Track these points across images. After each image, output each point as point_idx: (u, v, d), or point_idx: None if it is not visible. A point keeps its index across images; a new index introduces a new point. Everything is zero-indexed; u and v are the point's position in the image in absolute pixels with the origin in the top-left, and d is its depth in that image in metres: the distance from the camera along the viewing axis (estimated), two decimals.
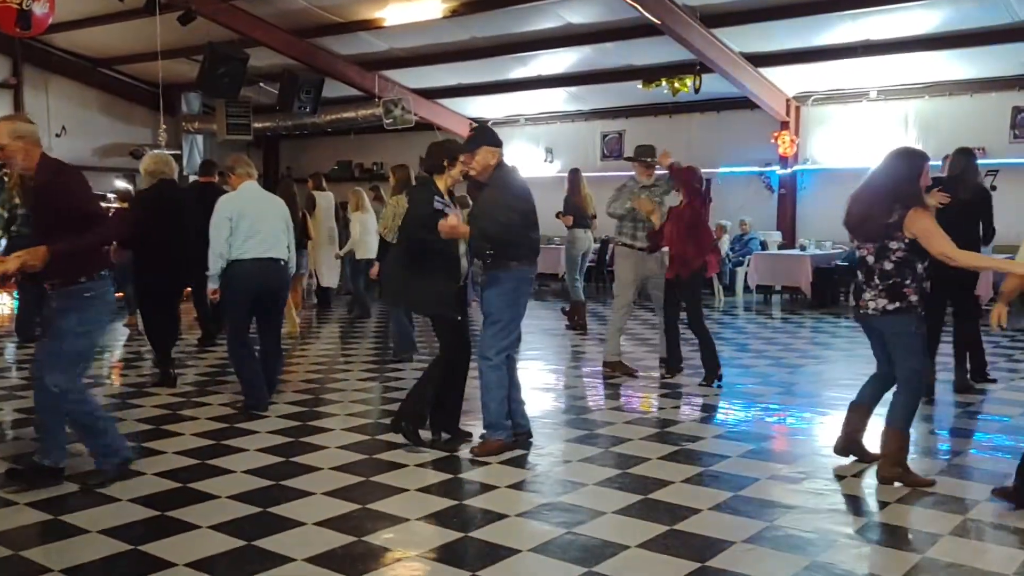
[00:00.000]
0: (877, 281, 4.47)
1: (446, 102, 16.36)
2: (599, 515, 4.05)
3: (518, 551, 3.65)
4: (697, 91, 12.38)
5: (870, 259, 4.51)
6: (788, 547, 3.69)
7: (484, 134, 5.15)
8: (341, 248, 11.45)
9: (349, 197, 11.42)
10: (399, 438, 5.12)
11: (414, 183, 7.43)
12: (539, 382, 7.13)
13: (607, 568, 3.48)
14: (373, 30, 13.42)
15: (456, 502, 4.26)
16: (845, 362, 7.94)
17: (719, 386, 6.76)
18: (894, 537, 3.90)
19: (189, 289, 8.08)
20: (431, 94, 16.10)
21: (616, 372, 7.19)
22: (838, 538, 3.80)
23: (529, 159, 16.18)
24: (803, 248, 12.54)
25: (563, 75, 14.76)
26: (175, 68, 14.73)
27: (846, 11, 10.97)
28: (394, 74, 15.47)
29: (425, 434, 5.15)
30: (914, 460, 4.64)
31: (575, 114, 16.33)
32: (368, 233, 10.63)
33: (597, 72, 14.34)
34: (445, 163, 5.11)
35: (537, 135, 16.75)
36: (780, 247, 13.35)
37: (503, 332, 5.00)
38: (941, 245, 4.32)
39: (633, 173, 7.47)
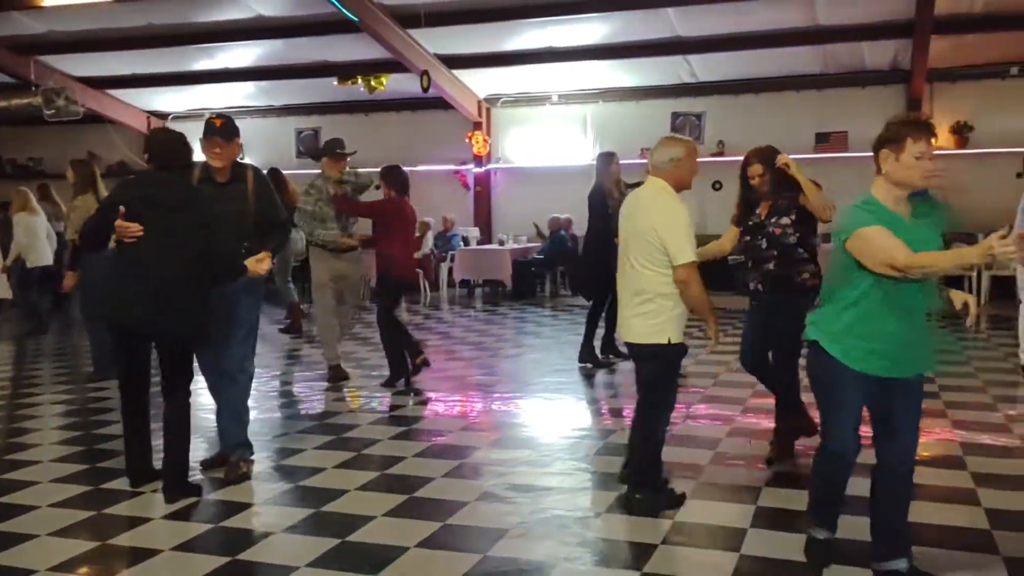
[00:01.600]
0: None
1: (119, 93, 14.90)
2: (369, 519, 3.95)
3: (295, 567, 3.44)
4: (425, 90, 12.45)
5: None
6: (557, 527, 3.85)
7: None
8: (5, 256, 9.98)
9: (13, 197, 9.99)
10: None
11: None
12: (268, 389, 6.77)
13: (391, 573, 3.40)
14: (27, 10, 11.83)
15: (212, 525, 3.92)
16: (558, 349, 8.45)
17: (408, 388, 6.76)
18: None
19: None
20: (100, 83, 14.56)
21: (339, 377, 7.03)
22: (590, 515, 4.04)
23: None
24: (502, 243, 13.17)
25: (253, 68, 14.12)
26: None
27: (534, 19, 11.66)
28: (55, 60, 13.77)
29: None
30: None
31: (267, 109, 15.70)
32: (37, 237, 9.43)
33: (290, 67, 13.91)
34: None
35: None
36: (479, 242, 13.89)
37: (254, 339, 4.78)
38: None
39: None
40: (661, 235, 3.83)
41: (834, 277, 3.25)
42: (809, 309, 3.54)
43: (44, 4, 11.44)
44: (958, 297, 3.18)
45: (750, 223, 4.63)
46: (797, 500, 3.83)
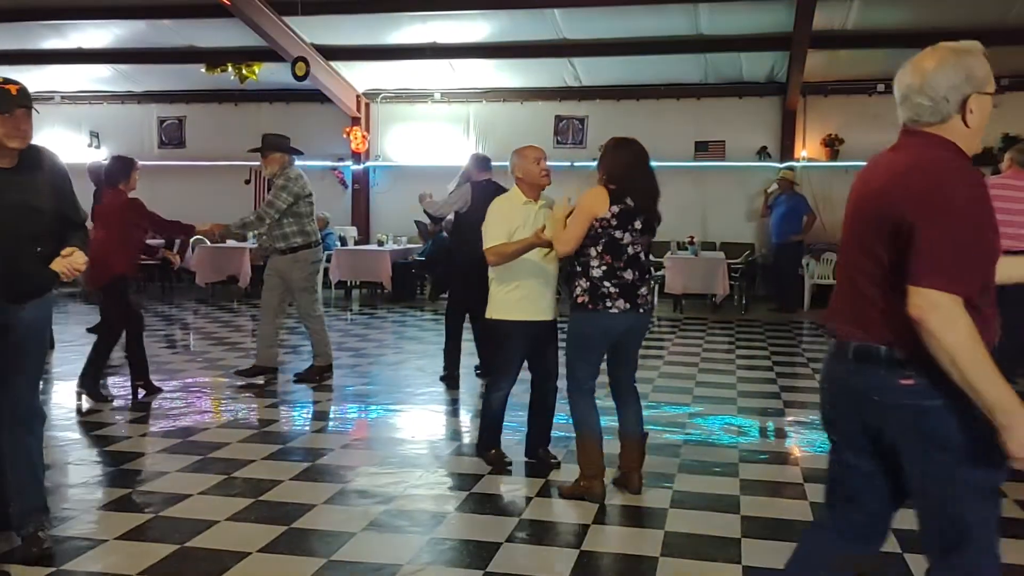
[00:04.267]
0: None
1: None
2: (212, 523, 3.54)
3: None
4: (300, 78, 11.77)
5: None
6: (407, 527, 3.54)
7: None
8: None
9: None
10: None
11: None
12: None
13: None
14: None
15: None
16: (441, 357, 8.08)
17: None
18: (494, 505, 3.95)
19: None
20: None
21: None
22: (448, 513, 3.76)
23: (70, 144, 14.14)
24: (381, 244, 12.70)
25: (110, 50, 13.11)
26: None
27: (416, 12, 11.27)
28: None
29: None
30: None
31: (125, 95, 14.65)
32: None
33: (152, 51, 12.99)
34: None
35: (78, 116, 14.71)
36: (356, 242, 13.37)
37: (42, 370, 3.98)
38: None
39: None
40: None
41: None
42: None
43: None
44: None
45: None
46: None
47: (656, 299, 11.63)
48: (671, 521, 3.90)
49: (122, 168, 6.27)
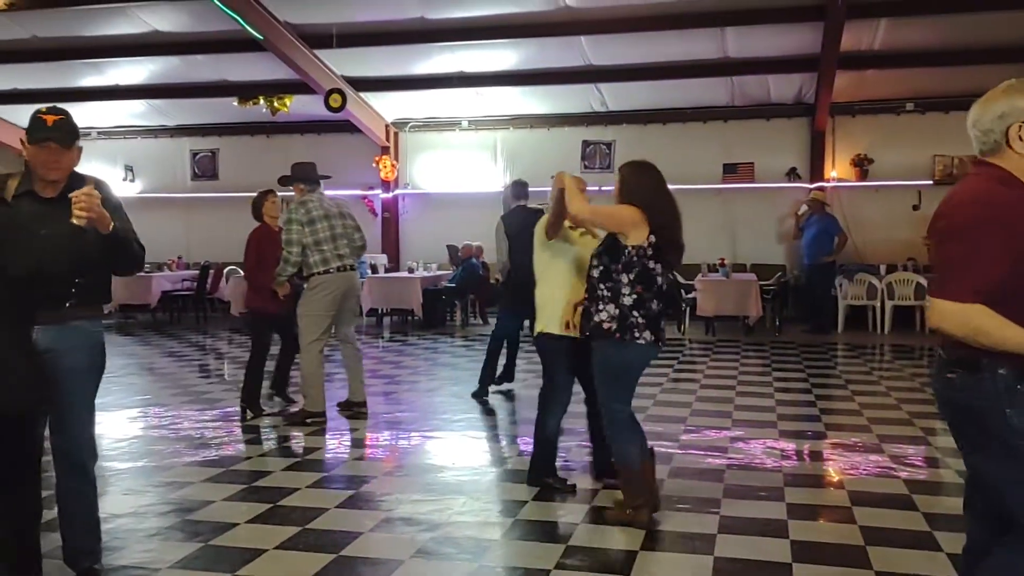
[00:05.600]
0: None
1: None
2: (261, 552, 3.55)
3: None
4: (336, 110, 11.98)
5: None
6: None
7: None
8: None
9: None
10: None
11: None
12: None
13: None
14: None
15: None
16: (476, 383, 8.10)
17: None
18: (541, 531, 3.95)
19: None
20: None
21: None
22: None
23: (105, 178, 14.34)
24: (411, 271, 12.78)
25: (145, 86, 13.41)
26: None
27: (445, 43, 11.42)
28: None
29: None
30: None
31: (159, 129, 14.93)
32: None
33: (185, 85, 13.25)
34: None
35: (114, 151, 15.00)
36: (387, 270, 13.47)
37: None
38: None
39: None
40: None
41: None
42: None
43: None
44: None
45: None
46: None
47: (688, 321, 11.61)
48: (720, 547, 3.87)
49: (256, 200, 6.85)
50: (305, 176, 6.57)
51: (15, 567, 3.15)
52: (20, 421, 3.00)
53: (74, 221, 2.98)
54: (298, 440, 6.04)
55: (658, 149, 13.13)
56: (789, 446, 5.68)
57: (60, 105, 3.36)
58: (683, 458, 5.33)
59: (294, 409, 6.72)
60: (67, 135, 3.22)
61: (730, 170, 12.94)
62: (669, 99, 12.81)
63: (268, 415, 6.72)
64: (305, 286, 6.44)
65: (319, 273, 6.35)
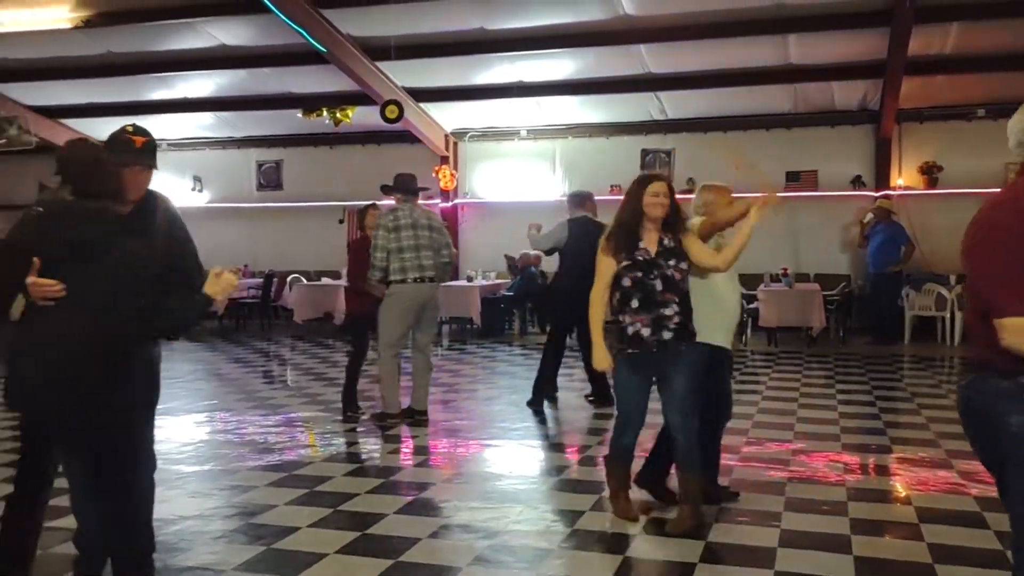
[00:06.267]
0: None
1: (73, 122, 14.37)
2: (322, 556, 3.60)
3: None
4: (393, 121, 12.17)
5: None
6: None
7: None
8: None
9: None
10: None
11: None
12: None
13: None
14: None
15: None
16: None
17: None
18: (598, 542, 3.91)
19: None
20: (54, 113, 14.08)
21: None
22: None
23: (175, 189, 14.82)
24: (470, 279, 12.87)
25: (212, 99, 13.76)
26: None
27: (504, 53, 11.49)
28: (8, 88, 13.28)
29: None
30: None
31: (227, 141, 15.31)
32: None
33: (252, 98, 13.57)
34: None
35: (183, 162, 15.42)
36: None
37: None
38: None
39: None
40: None
41: None
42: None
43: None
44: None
45: (639, 258, 4.18)
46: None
47: (750, 332, 11.44)
48: (781, 561, 3.81)
49: (360, 212, 7.26)
50: (403, 187, 6.80)
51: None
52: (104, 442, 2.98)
53: (208, 293, 3.03)
54: (359, 446, 6.14)
55: (719, 158, 13.01)
56: (853, 460, 5.56)
57: (130, 118, 3.44)
58: (744, 471, 5.26)
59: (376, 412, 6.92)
60: (153, 157, 3.28)
61: (793, 178, 12.73)
62: (730, 107, 12.68)
63: (362, 415, 6.95)
64: (386, 292, 6.60)
65: (396, 282, 6.51)
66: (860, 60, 11.05)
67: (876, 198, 12.07)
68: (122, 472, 3.02)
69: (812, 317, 10.86)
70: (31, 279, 2.81)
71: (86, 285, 2.84)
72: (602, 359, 4.23)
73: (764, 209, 4.16)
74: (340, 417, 6.92)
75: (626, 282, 4.18)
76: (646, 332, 4.13)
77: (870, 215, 11.86)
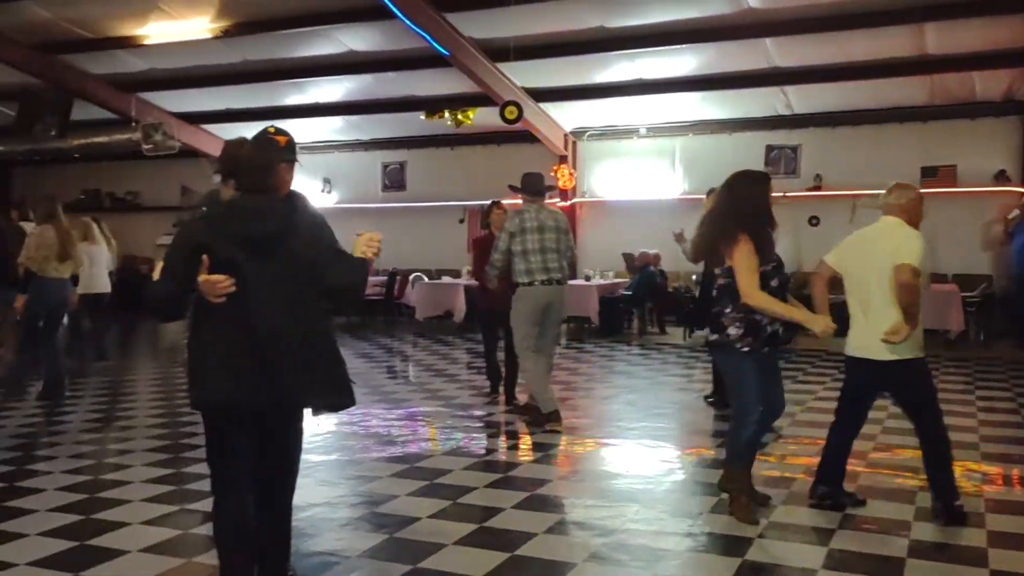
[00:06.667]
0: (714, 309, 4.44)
1: (212, 128, 15.24)
2: (441, 546, 3.68)
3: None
4: (512, 122, 12.34)
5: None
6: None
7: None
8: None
9: (75, 228, 10.19)
10: None
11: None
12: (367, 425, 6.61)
13: None
14: (130, 48, 12.21)
15: None
16: (653, 390, 8.08)
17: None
18: (716, 544, 3.84)
19: None
20: (195, 119, 14.95)
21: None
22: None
23: (305, 190, 15.38)
24: (588, 278, 12.86)
25: (341, 103, 14.26)
26: None
27: (623, 50, 11.42)
28: (154, 96, 14.19)
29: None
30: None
31: (354, 144, 15.85)
32: (96, 265, 9.78)
33: (378, 101, 13.99)
34: None
35: (314, 165, 16.03)
36: None
37: None
38: (742, 280, 4.14)
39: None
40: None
41: None
42: None
43: (146, 42, 11.79)
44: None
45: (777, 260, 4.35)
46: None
47: None
48: (909, 572, 3.66)
49: (486, 210, 7.83)
50: (530, 187, 6.82)
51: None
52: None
53: (359, 255, 3.25)
54: (478, 441, 6.25)
55: (849, 152, 12.59)
56: (993, 469, 5.27)
57: (266, 122, 3.61)
58: (871, 477, 5.07)
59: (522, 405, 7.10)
60: (295, 153, 3.38)
61: (929, 173, 12.10)
62: (860, 100, 12.19)
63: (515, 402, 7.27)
64: (515, 295, 6.62)
65: (522, 284, 6.53)
66: (1005, 48, 10.40)
67: (1022, 194, 11.33)
68: (297, 451, 3.33)
69: (950, 319, 10.33)
70: (202, 277, 2.97)
71: (282, 274, 3.06)
72: (821, 321, 4.12)
73: (827, 330, 4.09)
74: (461, 413, 7.07)
75: (774, 283, 4.21)
76: (780, 332, 4.24)
77: (1016, 211, 11.14)
